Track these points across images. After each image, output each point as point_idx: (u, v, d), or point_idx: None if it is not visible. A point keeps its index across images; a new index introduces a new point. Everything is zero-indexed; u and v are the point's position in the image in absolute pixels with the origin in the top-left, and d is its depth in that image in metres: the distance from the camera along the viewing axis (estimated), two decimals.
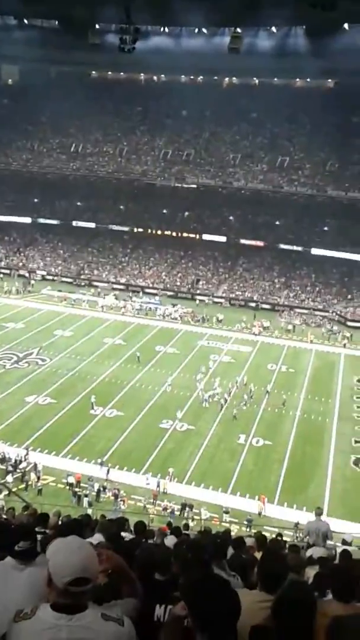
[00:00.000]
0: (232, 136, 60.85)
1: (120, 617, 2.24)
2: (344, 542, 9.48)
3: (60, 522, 9.11)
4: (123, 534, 7.97)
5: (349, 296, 51.46)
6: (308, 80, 56.87)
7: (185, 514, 23.59)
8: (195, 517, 23.29)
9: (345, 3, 30.79)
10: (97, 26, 47.09)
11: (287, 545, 8.58)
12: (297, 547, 7.98)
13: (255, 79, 59.26)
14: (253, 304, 51.73)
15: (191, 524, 19.70)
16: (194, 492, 25.45)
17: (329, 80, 56.78)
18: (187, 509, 23.89)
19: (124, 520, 9.74)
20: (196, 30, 47.50)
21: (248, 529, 21.98)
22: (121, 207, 62.18)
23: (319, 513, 10.54)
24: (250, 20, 41.75)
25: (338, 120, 55.07)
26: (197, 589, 2.11)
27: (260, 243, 56.59)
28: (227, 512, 23.78)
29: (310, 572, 5.72)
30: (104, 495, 24.92)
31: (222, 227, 58.56)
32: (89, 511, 19.89)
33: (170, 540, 8.16)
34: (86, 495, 24.43)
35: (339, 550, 8.51)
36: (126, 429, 30.15)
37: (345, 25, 41.28)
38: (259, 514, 23.87)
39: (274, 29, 44.99)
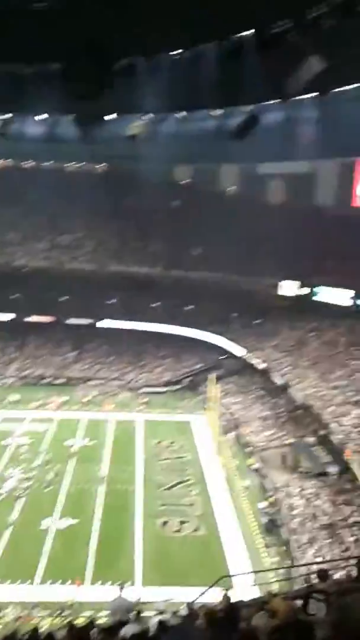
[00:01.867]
0: (10, 216, 60.62)
1: None
2: (158, 611, 9.56)
3: None
4: None
5: (141, 363, 53.51)
6: (81, 164, 59.71)
7: None
8: (0, 619, 21.38)
9: (110, 95, 33.57)
10: None
11: (99, 629, 8.36)
12: (111, 628, 7.84)
13: (27, 162, 60.32)
14: (47, 380, 50.87)
15: None
16: None
17: (101, 164, 60.32)
18: None
19: None
20: None
21: (62, 619, 20.78)
22: None
23: (121, 588, 10.50)
24: (18, 106, 42.98)
25: (112, 201, 58.24)
26: None
27: (49, 319, 56.46)
28: (36, 607, 22.21)
29: None
30: None
31: (6, 305, 57.19)
32: None
33: None
34: None
35: (155, 619, 8.53)
36: None
37: (110, 116, 44.77)
38: (71, 603, 22.69)
39: (42, 115, 46.82)
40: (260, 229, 53.69)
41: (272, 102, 43.83)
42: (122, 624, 7.65)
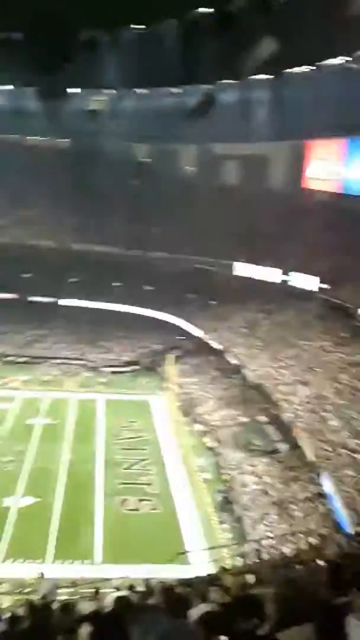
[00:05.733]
0: None
1: None
2: (114, 588, 9.93)
3: None
4: None
5: (100, 343, 53.44)
6: (44, 138, 58.47)
7: None
8: None
9: (73, 70, 33.09)
10: None
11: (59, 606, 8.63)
12: (69, 605, 8.11)
13: None
14: (9, 359, 50.29)
15: None
16: None
17: (63, 139, 59.24)
18: None
19: None
20: None
21: (23, 597, 21.07)
22: None
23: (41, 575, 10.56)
24: None
25: (74, 177, 57.30)
26: None
27: (9, 296, 55.47)
28: None
29: (84, 631, 5.69)
30: None
31: None
32: None
33: None
34: None
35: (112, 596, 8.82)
36: None
37: (73, 90, 43.91)
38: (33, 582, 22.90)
39: (8, 86, 45.61)
40: (215, 210, 53.77)
41: (227, 82, 43.50)
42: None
